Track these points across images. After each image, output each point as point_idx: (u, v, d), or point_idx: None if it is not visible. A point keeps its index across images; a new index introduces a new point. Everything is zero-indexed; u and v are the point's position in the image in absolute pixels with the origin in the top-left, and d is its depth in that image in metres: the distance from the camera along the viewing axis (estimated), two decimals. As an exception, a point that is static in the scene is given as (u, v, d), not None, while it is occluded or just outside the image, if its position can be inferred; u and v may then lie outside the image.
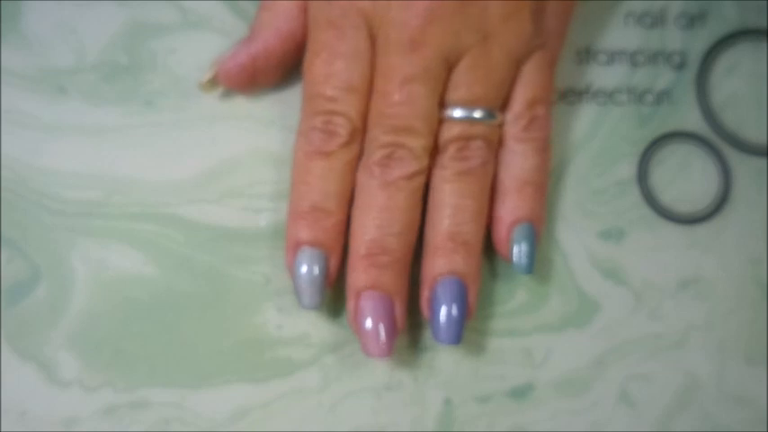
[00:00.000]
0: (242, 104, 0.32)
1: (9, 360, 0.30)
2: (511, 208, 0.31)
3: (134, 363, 0.31)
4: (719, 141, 0.34)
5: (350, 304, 0.30)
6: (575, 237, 0.33)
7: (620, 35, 0.34)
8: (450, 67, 0.30)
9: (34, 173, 0.31)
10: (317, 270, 0.29)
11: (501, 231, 0.31)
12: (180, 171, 0.32)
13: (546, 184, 0.32)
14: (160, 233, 0.31)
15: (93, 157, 0.32)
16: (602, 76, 0.34)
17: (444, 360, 0.32)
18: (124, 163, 0.32)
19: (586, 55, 0.34)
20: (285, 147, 0.32)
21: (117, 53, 0.32)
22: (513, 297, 0.32)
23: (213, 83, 0.32)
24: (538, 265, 0.32)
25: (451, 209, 0.30)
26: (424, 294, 0.30)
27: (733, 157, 0.34)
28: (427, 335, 0.31)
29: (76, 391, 0.30)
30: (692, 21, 0.34)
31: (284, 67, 0.32)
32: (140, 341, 0.31)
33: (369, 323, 0.29)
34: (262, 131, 0.32)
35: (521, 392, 0.32)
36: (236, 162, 0.32)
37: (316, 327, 0.31)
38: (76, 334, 0.31)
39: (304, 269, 0.29)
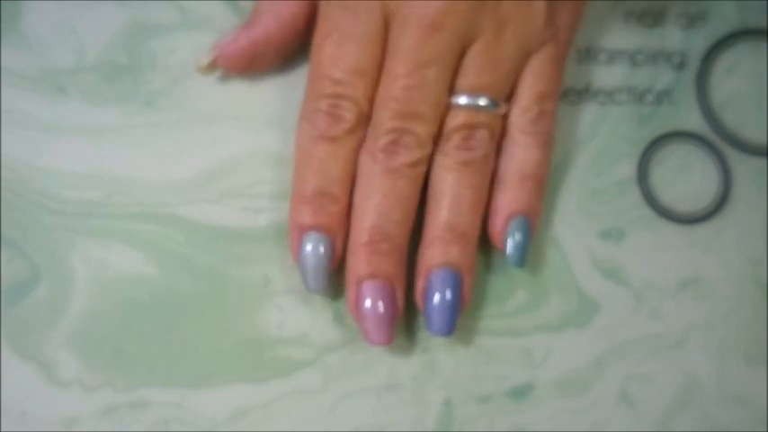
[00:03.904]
0: (242, 104, 0.32)
1: (9, 360, 0.30)
2: (509, 200, 0.31)
3: (134, 363, 0.31)
4: (719, 141, 0.34)
5: (351, 291, 0.30)
6: (575, 237, 0.33)
7: (620, 35, 0.34)
8: (463, 51, 0.29)
9: (34, 173, 0.31)
10: (322, 254, 0.29)
11: (497, 222, 0.31)
12: (180, 171, 0.32)
13: (545, 179, 0.32)
14: (160, 233, 0.31)
15: (93, 157, 0.32)
16: (602, 75, 0.34)
17: (444, 360, 0.32)
18: (124, 163, 0.32)
19: (586, 55, 0.34)
20: (285, 147, 0.32)
21: (117, 53, 0.32)
22: (513, 297, 0.32)
23: (212, 66, 0.31)
24: (538, 265, 0.32)
25: (451, 199, 0.30)
26: (419, 285, 0.30)
27: (733, 157, 0.34)
28: (427, 335, 0.31)
29: (76, 391, 0.30)
30: (692, 21, 0.34)
31: (283, 53, 0.32)
32: (140, 341, 0.31)
33: (371, 310, 0.29)
34: (262, 131, 0.32)
35: (521, 392, 0.32)
36: (236, 162, 0.32)
37: (316, 327, 0.31)
38: (76, 334, 0.31)
39: (310, 253, 0.29)
